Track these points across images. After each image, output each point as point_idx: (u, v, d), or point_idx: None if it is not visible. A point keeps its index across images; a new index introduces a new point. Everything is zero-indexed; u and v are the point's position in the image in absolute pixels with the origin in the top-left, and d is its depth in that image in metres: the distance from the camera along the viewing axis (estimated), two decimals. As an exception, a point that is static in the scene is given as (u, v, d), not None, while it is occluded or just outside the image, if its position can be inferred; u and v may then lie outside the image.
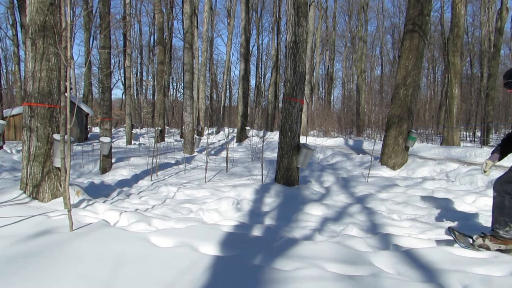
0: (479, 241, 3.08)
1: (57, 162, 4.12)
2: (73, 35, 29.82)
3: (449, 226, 3.47)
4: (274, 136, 20.05)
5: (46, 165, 4.15)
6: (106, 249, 2.69)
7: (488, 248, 3.04)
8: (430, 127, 22.98)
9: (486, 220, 4.22)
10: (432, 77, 37.74)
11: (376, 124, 22.30)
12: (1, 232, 3.03)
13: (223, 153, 13.46)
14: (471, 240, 3.13)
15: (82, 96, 28.70)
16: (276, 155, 6.57)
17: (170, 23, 27.04)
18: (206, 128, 27.18)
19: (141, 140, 22.54)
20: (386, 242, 3.44)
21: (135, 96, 36.95)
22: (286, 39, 6.32)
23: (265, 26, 46.41)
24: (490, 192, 5.43)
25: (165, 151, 12.88)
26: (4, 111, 14.09)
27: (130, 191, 5.92)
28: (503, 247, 3.02)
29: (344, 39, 40.67)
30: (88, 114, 22.97)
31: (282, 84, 29.62)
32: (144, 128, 35.75)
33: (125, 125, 22.46)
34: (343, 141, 19.41)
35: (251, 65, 31.79)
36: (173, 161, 9.89)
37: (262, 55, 42.62)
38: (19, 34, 23.37)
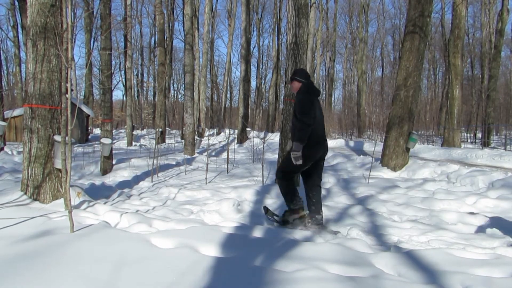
0: (283, 217, 3.94)
1: (58, 164, 4.12)
2: (74, 36, 29.91)
3: (264, 206, 4.30)
4: (274, 137, 20.05)
5: (47, 166, 4.16)
6: (107, 250, 2.69)
7: (287, 222, 3.89)
8: (431, 129, 22.99)
9: (485, 221, 4.22)
10: (432, 79, 37.77)
11: (376, 125, 22.31)
12: (2, 233, 3.03)
13: (224, 154, 13.46)
14: (277, 218, 4.03)
15: (83, 97, 28.73)
16: (276, 156, 6.57)
17: (170, 25, 27.07)
18: (206, 129, 27.19)
19: (142, 141, 22.56)
20: (386, 243, 3.44)
21: (135, 97, 36.98)
22: (286, 40, 6.32)
23: (266, 27, 46.45)
24: (491, 194, 5.43)
25: (165, 152, 12.88)
26: (5, 112, 14.10)
27: (130, 192, 5.92)
28: (297, 216, 3.85)
29: (344, 40, 40.71)
30: (89, 115, 22.99)
31: (282, 85, 29.59)
32: (144, 130, 35.78)
33: (125, 127, 22.47)
34: (343, 142, 19.40)
35: (251, 66, 31.86)
36: (173, 162, 9.89)
37: (262, 56, 42.68)
38: (20, 36, 23.42)
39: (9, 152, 11.46)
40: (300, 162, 3.55)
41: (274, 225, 3.95)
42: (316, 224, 3.79)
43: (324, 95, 42.18)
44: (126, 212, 3.99)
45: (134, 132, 23.69)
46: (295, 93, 3.94)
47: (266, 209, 4.15)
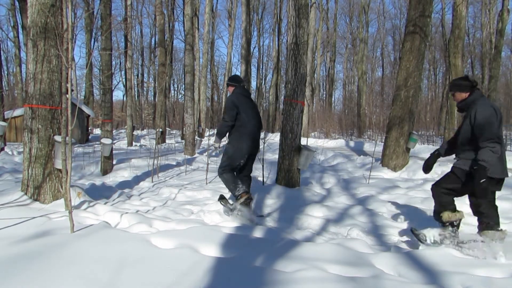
0: (233, 204, 4.21)
1: (58, 164, 4.12)
2: (74, 36, 29.91)
3: (220, 194, 4.44)
4: (275, 138, 20.04)
5: (47, 166, 4.16)
6: (107, 250, 2.69)
7: (235, 208, 4.15)
8: (431, 129, 22.98)
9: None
10: (433, 79, 37.77)
11: (377, 125, 22.30)
12: (2, 233, 3.03)
13: (224, 155, 13.43)
14: (231, 206, 4.24)
15: (83, 97, 28.75)
16: (277, 156, 6.57)
17: (171, 25, 27.08)
18: (207, 129, 27.18)
19: (142, 141, 22.55)
20: (387, 243, 3.43)
21: (136, 97, 36.96)
22: (287, 41, 6.32)
23: (266, 27, 46.41)
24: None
25: (166, 153, 12.88)
26: (5, 112, 14.11)
27: (131, 193, 5.92)
28: (242, 200, 4.10)
29: (345, 41, 40.71)
30: (89, 115, 22.99)
31: (283, 85, 29.62)
32: (145, 130, 35.77)
33: (126, 127, 22.48)
34: (344, 142, 19.39)
35: (252, 67, 31.86)
36: (174, 163, 9.89)
37: (263, 56, 42.62)
38: (21, 36, 23.47)
39: (10, 153, 11.47)
40: (217, 151, 4.31)
41: (229, 214, 4.23)
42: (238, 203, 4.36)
43: (324, 95, 42.19)
44: (127, 213, 3.99)
45: (134, 132, 23.69)
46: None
47: (221, 197, 4.43)
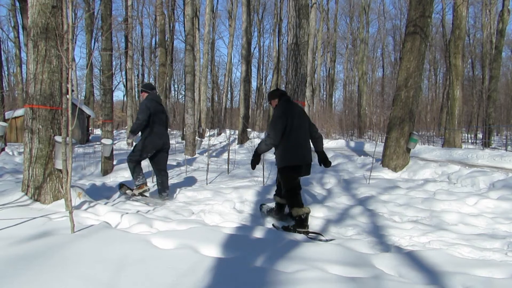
0: (131, 192, 5.12)
1: (59, 164, 4.12)
2: (74, 37, 29.94)
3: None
4: (275, 138, 19.98)
5: (47, 167, 4.16)
6: (107, 251, 2.69)
7: (134, 194, 5.09)
8: (432, 129, 22.96)
9: (487, 222, 4.21)
10: (433, 79, 37.76)
11: (377, 126, 22.29)
12: (3, 233, 3.03)
13: (225, 155, 13.46)
14: (130, 193, 5.15)
15: (83, 98, 28.79)
16: (277, 157, 6.55)
17: (171, 25, 27.05)
18: (207, 130, 27.18)
19: (143, 142, 22.50)
20: (387, 243, 3.43)
21: (136, 98, 36.97)
22: (287, 41, 6.33)
23: (267, 28, 46.41)
24: (492, 194, 5.42)
25: (166, 153, 12.84)
26: (6, 113, 14.13)
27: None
28: (141, 190, 5.04)
29: (345, 41, 40.71)
30: (89, 116, 22.99)
31: (283, 86, 29.60)
32: (145, 130, 35.68)
33: (126, 127, 22.48)
34: (344, 143, 19.38)
35: (252, 67, 31.82)
36: (174, 163, 9.88)
37: (263, 57, 42.66)
38: (21, 36, 23.52)
39: (10, 153, 11.47)
40: (130, 146, 5.23)
41: (129, 198, 5.11)
42: (160, 199, 5.14)
43: (324, 96, 42.22)
44: (127, 213, 3.99)
45: (135, 133, 23.57)
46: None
47: (121, 185, 5.35)
